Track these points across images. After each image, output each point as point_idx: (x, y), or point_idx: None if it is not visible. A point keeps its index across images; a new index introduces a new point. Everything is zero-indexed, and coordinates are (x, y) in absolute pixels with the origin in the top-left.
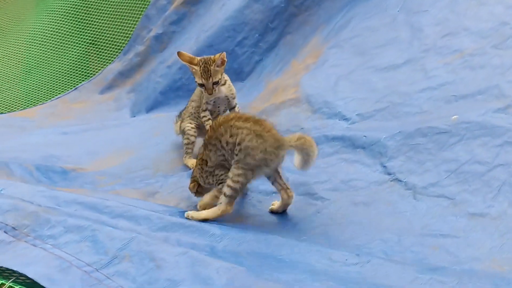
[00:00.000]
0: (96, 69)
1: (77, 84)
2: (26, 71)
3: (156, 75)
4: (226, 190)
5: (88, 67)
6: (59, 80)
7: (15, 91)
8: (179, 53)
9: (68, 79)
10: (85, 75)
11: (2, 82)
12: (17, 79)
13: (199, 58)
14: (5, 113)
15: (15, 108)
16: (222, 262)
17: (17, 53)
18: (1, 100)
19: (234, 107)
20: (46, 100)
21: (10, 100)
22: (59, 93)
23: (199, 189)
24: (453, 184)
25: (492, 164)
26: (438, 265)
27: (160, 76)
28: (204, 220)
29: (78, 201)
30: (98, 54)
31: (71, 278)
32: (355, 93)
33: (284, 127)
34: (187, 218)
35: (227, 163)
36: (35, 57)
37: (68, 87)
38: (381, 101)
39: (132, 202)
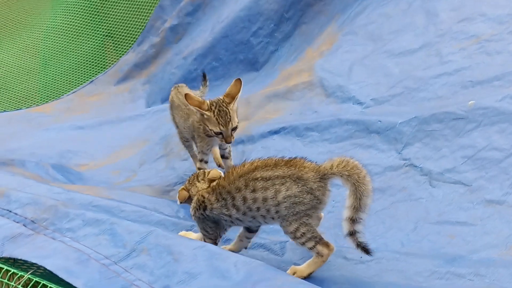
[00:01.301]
0: (112, 61)
1: (93, 77)
2: (43, 65)
3: (172, 66)
4: (307, 246)
5: (103, 59)
6: (75, 73)
7: (31, 85)
8: (186, 96)
9: (84, 72)
10: (101, 68)
11: (19, 76)
12: (33, 72)
13: (209, 101)
14: (23, 108)
15: (32, 102)
16: (239, 256)
17: (33, 46)
18: (18, 95)
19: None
20: (63, 94)
21: (27, 95)
22: (75, 86)
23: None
24: (469, 171)
25: (510, 151)
26: (455, 254)
27: (176, 67)
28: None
29: (93, 204)
30: (114, 46)
31: (90, 270)
32: (370, 78)
33: (297, 111)
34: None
35: (227, 222)
36: (51, 50)
37: (84, 80)
38: (396, 86)
39: (147, 202)
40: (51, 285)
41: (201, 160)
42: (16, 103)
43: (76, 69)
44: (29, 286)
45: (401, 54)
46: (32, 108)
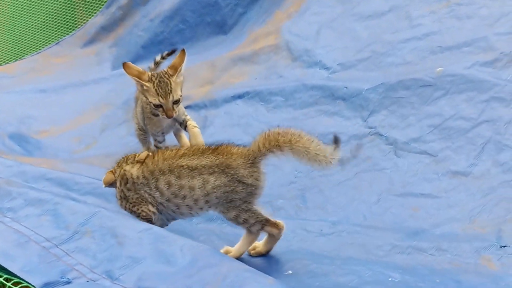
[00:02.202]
0: (81, 22)
1: (59, 38)
2: (8, 23)
3: (139, 29)
4: (254, 229)
5: (72, 20)
6: (41, 33)
7: None
8: (125, 65)
9: (51, 33)
10: (69, 29)
11: None
12: None
13: (150, 73)
14: None
15: None
16: (187, 240)
17: None
18: None
19: (183, 121)
20: (27, 55)
21: None
22: (41, 48)
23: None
24: (436, 140)
25: (477, 121)
26: (418, 228)
27: (142, 30)
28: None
29: (47, 177)
30: (83, 7)
31: (28, 253)
32: (337, 41)
33: (262, 75)
34: None
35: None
36: (18, 9)
37: (50, 41)
38: (364, 51)
39: (101, 175)
40: None
41: (156, 146)
42: None
43: (42, 29)
44: None
45: (370, 17)
46: None
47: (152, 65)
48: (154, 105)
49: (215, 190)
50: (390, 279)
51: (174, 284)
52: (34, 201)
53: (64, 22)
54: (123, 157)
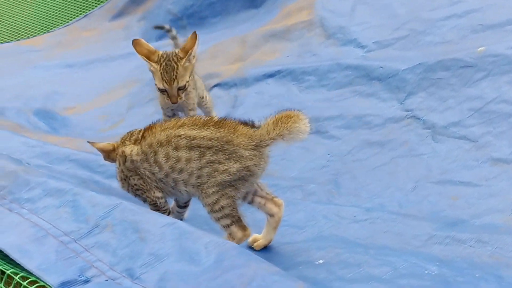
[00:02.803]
0: None
1: (88, 11)
2: None
3: (168, 2)
4: (222, 223)
5: None
6: (69, 6)
7: (23, 18)
8: (134, 42)
9: (79, 5)
10: (96, 1)
11: (11, 8)
12: (27, 4)
13: (161, 52)
14: (12, 41)
15: (23, 35)
16: (212, 237)
17: None
18: (9, 27)
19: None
20: (55, 28)
21: (19, 27)
22: (69, 20)
23: (109, 159)
24: (476, 125)
25: None
26: (457, 218)
27: (172, 3)
28: None
29: (71, 158)
30: None
31: (46, 249)
32: (373, 18)
33: (295, 52)
34: None
35: (153, 183)
36: None
37: (79, 13)
38: (401, 28)
39: None
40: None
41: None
42: (6, 36)
43: (71, 1)
44: None
45: None
46: (22, 41)
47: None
48: (159, 89)
49: (208, 165)
50: (426, 272)
51: (197, 286)
52: (53, 191)
53: None
54: (128, 133)
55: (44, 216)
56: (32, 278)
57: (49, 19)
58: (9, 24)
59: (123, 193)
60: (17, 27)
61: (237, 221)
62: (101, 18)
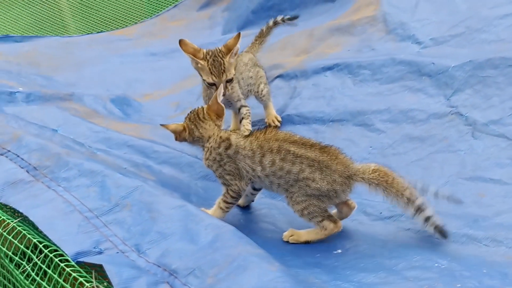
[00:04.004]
0: None
1: (178, 1)
2: None
3: None
4: (313, 222)
5: None
6: None
7: (117, 9)
8: (181, 42)
9: None
10: None
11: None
12: None
13: (205, 50)
14: (106, 31)
15: (117, 26)
16: (214, 220)
17: None
18: (104, 18)
19: (239, 108)
20: (146, 18)
21: (112, 18)
22: (160, 11)
23: (180, 139)
24: None
25: None
26: (479, 215)
27: None
28: (306, 243)
29: (128, 144)
30: None
31: (70, 223)
32: (434, 15)
33: (355, 47)
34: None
35: (247, 176)
36: None
37: (170, 4)
38: (459, 26)
39: (183, 144)
40: (30, 235)
41: None
42: (101, 26)
43: None
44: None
45: None
46: (114, 31)
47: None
48: (207, 83)
49: (304, 179)
50: (436, 265)
51: (188, 263)
52: (87, 172)
53: None
54: (193, 112)
55: (75, 193)
56: (53, 247)
57: (142, 10)
58: (103, 15)
59: (164, 179)
60: (111, 17)
61: (328, 217)
62: (190, 8)
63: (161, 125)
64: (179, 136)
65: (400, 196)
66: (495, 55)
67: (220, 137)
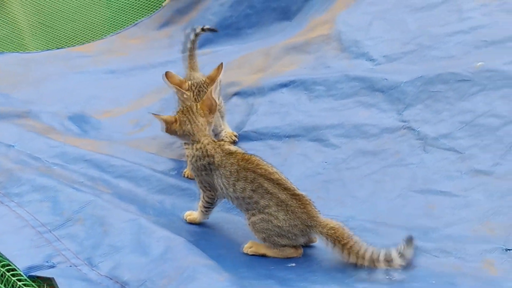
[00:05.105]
0: (159, 5)
1: (138, 20)
2: (89, 5)
3: (210, 13)
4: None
5: (151, 2)
6: (122, 15)
7: (76, 25)
8: (166, 74)
9: (131, 15)
10: (147, 11)
11: (64, 16)
12: (79, 12)
13: (190, 82)
14: (65, 47)
15: (76, 42)
16: (165, 232)
17: None
18: (63, 34)
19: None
20: (106, 35)
21: (72, 34)
22: (120, 28)
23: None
24: (465, 137)
25: (509, 119)
26: (429, 227)
27: (213, 13)
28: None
29: (85, 159)
30: None
31: (22, 237)
32: (387, 33)
33: (310, 65)
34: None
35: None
36: None
37: (130, 22)
38: (411, 43)
39: (142, 160)
40: None
41: None
42: (59, 42)
43: (122, 11)
44: None
45: (423, 8)
46: (74, 48)
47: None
48: None
49: (268, 214)
50: (387, 277)
51: (139, 275)
52: (39, 187)
53: (145, 4)
54: (186, 107)
55: (28, 208)
56: (5, 262)
57: (102, 27)
58: (62, 30)
59: (120, 192)
60: (71, 34)
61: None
62: (150, 27)
63: (153, 114)
64: (169, 126)
65: (360, 259)
66: (445, 71)
67: (207, 150)
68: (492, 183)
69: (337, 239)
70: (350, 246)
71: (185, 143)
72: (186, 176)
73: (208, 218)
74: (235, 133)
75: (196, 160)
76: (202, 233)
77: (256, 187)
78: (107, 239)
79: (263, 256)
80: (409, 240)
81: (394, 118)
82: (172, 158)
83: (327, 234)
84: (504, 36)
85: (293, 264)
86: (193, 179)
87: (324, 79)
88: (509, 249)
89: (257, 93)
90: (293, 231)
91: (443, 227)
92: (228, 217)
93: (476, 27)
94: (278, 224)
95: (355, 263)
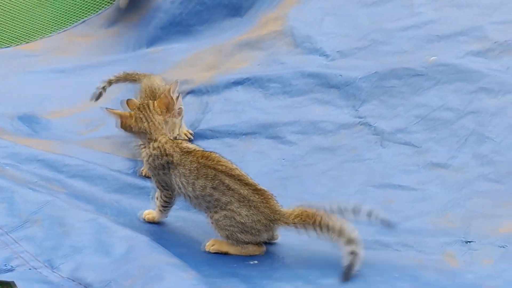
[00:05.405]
0: (108, 2)
1: (87, 17)
2: (37, 2)
3: (160, 10)
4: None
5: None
6: (69, 12)
7: (23, 23)
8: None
9: (78, 12)
10: (96, 8)
11: (9, 14)
12: (25, 10)
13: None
14: (11, 46)
15: (23, 40)
16: (127, 231)
17: None
18: (9, 32)
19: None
20: (53, 32)
21: (18, 32)
22: (67, 26)
23: (124, 126)
24: (421, 131)
25: (463, 112)
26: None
27: (163, 11)
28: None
29: (38, 158)
30: None
31: None
32: (340, 29)
33: (264, 61)
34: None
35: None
36: None
37: (78, 19)
38: (364, 39)
39: (97, 159)
40: None
41: None
42: (5, 41)
43: (71, 7)
44: None
45: (374, 3)
46: (21, 46)
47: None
48: None
49: (230, 211)
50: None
51: (103, 275)
52: None
53: (90, 3)
54: (143, 104)
55: None
56: None
57: (49, 24)
58: (9, 29)
59: (76, 192)
60: (17, 32)
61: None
62: (98, 25)
63: (106, 109)
64: (124, 121)
65: (332, 232)
66: (399, 66)
67: (165, 149)
68: (449, 176)
69: (306, 222)
70: (319, 221)
71: (140, 144)
72: (142, 174)
73: (167, 217)
74: (191, 131)
75: (154, 160)
76: (161, 232)
77: (217, 184)
78: (67, 239)
79: (225, 254)
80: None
81: (350, 114)
82: (128, 157)
83: (294, 223)
84: (454, 31)
85: (256, 262)
86: (150, 177)
87: (279, 75)
88: (469, 241)
89: (211, 91)
90: (256, 226)
91: (402, 221)
92: (187, 216)
93: (428, 22)
94: (241, 220)
95: (331, 239)
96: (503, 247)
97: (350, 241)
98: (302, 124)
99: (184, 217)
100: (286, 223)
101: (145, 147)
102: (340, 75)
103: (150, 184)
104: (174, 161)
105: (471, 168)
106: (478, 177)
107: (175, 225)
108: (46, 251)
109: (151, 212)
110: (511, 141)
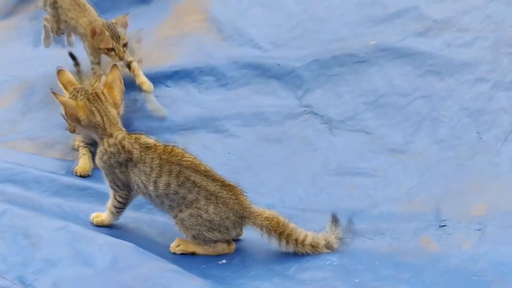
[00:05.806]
0: None
1: None
2: None
3: None
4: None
5: None
6: None
7: None
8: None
9: None
10: None
11: None
12: None
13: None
14: None
15: None
16: (107, 238)
17: None
18: None
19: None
20: None
21: None
22: None
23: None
24: (371, 118)
25: (413, 96)
26: (355, 209)
27: None
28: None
29: None
30: None
31: None
32: (269, 19)
33: (193, 58)
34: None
35: (135, 191)
36: None
37: None
38: (297, 28)
39: (24, 161)
40: None
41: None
42: None
43: None
44: None
45: None
46: None
47: None
48: (106, 49)
49: (197, 209)
50: (328, 262)
51: None
52: None
53: None
54: (91, 93)
55: None
56: None
57: None
58: None
59: (12, 198)
60: None
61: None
62: None
63: (52, 92)
64: (71, 112)
65: (299, 246)
66: (340, 53)
67: (123, 146)
68: (408, 161)
69: (273, 228)
70: (287, 234)
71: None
72: (78, 174)
73: (118, 219)
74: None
75: (110, 158)
76: (117, 236)
77: (183, 181)
78: (37, 252)
79: (192, 254)
80: (335, 219)
81: (294, 104)
82: (57, 157)
83: (261, 225)
84: (389, 13)
85: (224, 261)
86: (86, 176)
87: (211, 68)
88: (442, 226)
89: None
90: (224, 224)
91: (369, 208)
92: (141, 216)
93: (361, 6)
94: (209, 218)
95: (293, 251)
96: (479, 230)
97: (328, 246)
98: (245, 116)
99: (137, 218)
100: (254, 222)
101: (101, 144)
102: (278, 65)
103: (92, 184)
104: (134, 158)
105: (430, 152)
106: (439, 161)
107: (130, 227)
108: (14, 267)
109: (100, 214)
110: (465, 123)
